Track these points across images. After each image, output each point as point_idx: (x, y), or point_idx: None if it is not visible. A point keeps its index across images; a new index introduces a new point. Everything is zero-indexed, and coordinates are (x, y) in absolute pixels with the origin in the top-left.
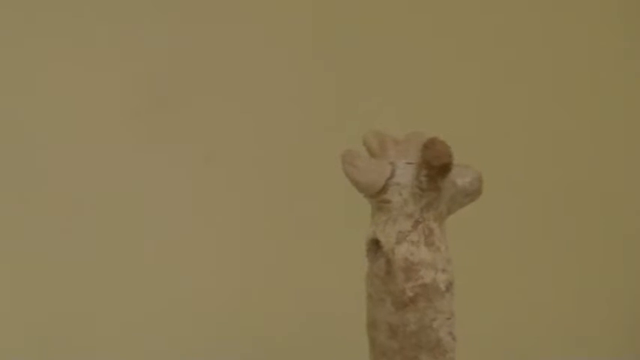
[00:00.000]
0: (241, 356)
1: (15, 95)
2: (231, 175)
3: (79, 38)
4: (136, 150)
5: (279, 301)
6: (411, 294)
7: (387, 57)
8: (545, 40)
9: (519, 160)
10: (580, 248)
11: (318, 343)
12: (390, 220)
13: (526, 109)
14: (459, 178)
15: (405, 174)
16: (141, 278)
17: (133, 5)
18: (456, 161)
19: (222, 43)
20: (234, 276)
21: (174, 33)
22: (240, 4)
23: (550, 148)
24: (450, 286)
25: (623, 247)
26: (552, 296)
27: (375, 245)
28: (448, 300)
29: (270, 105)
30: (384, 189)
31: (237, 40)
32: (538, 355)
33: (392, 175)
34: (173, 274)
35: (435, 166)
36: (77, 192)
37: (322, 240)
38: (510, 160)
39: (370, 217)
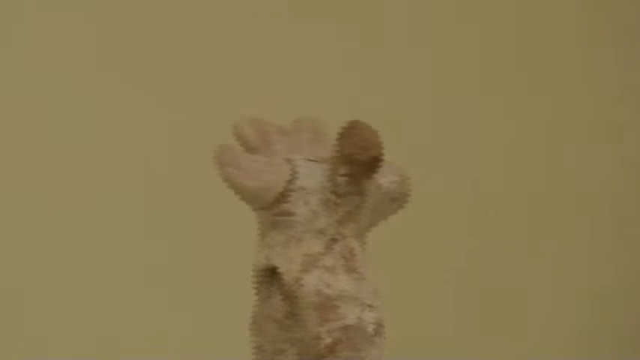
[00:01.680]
0: None
1: None
2: None
3: None
4: None
5: None
6: (328, 340)
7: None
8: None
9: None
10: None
11: None
12: (293, 239)
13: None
14: (384, 177)
15: (311, 175)
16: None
17: None
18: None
19: None
20: None
21: None
22: None
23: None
24: (379, 327)
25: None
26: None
27: (268, 276)
28: (378, 347)
29: None
30: (282, 196)
31: None
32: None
33: (293, 177)
34: None
35: (361, 161)
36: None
37: None
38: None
39: (259, 237)
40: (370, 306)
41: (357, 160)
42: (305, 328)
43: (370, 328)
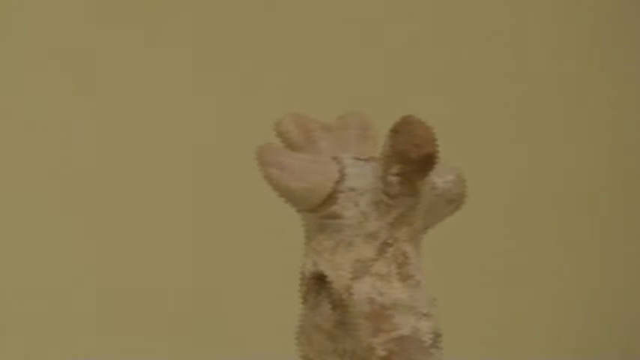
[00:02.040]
0: None
1: None
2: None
3: None
4: None
5: None
6: (382, 352)
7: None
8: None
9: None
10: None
11: None
12: (342, 244)
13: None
14: (439, 177)
15: (361, 174)
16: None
17: None
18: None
19: None
20: None
21: None
22: None
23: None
24: (437, 338)
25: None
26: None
27: (316, 284)
28: (436, 358)
29: None
30: (330, 198)
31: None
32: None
33: (342, 177)
34: None
35: (414, 159)
36: None
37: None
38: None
39: (305, 241)
40: (426, 315)
41: (411, 157)
42: (356, 339)
43: (427, 339)
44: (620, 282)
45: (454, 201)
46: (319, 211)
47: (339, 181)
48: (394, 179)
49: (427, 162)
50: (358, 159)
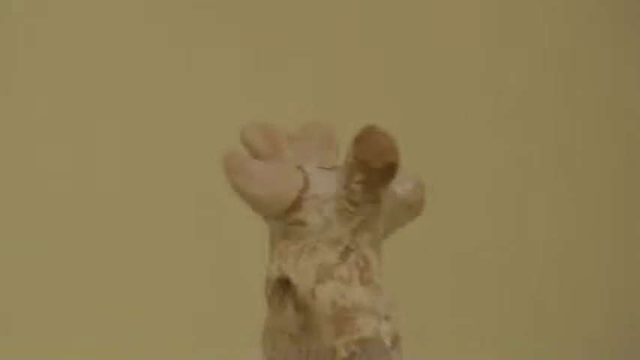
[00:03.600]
0: None
1: None
2: None
3: None
4: None
5: None
6: (344, 354)
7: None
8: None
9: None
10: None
11: None
12: (306, 249)
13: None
14: (399, 185)
15: (324, 182)
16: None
17: None
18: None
19: None
20: None
21: None
22: None
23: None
24: (396, 340)
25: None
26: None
27: (281, 287)
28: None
29: None
30: (295, 205)
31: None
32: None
33: (306, 186)
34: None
35: (376, 168)
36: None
37: None
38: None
39: (270, 247)
40: (387, 317)
41: (373, 167)
42: (320, 341)
43: (387, 341)
44: (620, 282)
45: (413, 207)
46: (284, 217)
47: (303, 189)
48: (357, 187)
49: (389, 171)
50: (322, 168)
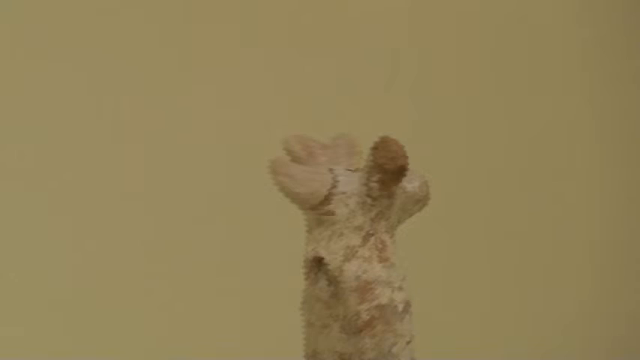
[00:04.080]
0: None
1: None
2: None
3: None
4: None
5: None
6: (366, 317)
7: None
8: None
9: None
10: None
11: None
12: (335, 234)
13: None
14: (408, 183)
15: (349, 181)
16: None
17: None
18: None
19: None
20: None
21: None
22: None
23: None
24: (407, 306)
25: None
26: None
27: (315, 264)
28: (407, 322)
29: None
30: (326, 200)
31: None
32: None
33: (335, 184)
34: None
35: (390, 170)
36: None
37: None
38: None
39: (307, 233)
40: (399, 288)
41: (387, 169)
42: (346, 307)
43: (400, 307)
44: (621, 281)
45: (420, 201)
46: (318, 209)
47: (332, 187)
48: (375, 185)
49: (400, 172)
50: (348, 170)
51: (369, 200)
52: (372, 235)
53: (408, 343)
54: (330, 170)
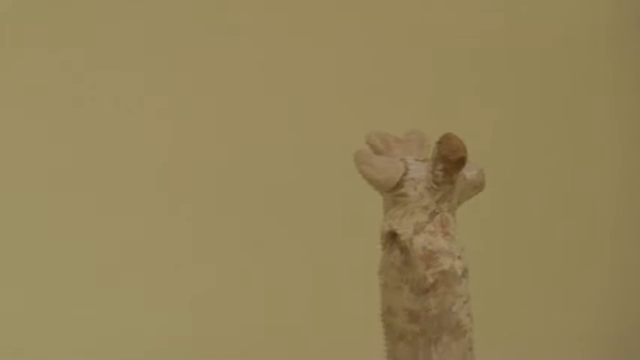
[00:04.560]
0: None
1: None
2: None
3: None
4: None
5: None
6: (431, 280)
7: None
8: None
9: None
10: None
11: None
12: (407, 213)
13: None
14: (467, 171)
15: (418, 170)
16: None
17: None
18: None
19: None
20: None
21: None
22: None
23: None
24: (465, 272)
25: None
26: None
27: (391, 237)
28: (464, 285)
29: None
30: (399, 184)
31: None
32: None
33: (406, 172)
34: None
35: (452, 160)
36: None
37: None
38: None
39: (384, 211)
40: (459, 257)
41: (450, 160)
42: (415, 272)
43: (459, 272)
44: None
45: (477, 187)
46: (393, 192)
47: (404, 174)
48: (439, 173)
49: (460, 162)
50: (417, 160)
51: (434, 185)
52: (437, 213)
53: (465, 302)
54: (402, 160)
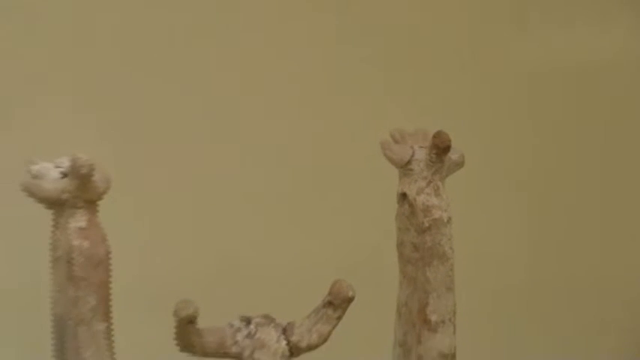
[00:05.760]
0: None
1: None
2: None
3: None
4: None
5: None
6: (427, 225)
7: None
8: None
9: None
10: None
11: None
12: (413, 181)
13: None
14: (452, 154)
15: (421, 153)
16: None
17: None
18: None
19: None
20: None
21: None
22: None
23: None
24: (449, 219)
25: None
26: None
27: (402, 197)
28: (449, 228)
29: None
30: (409, 162)
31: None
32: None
33: (413, 154)
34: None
35: (441, 148)
36: None
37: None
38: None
39: (399, 179)
40: (445, 210)
41: (440, 147)
42: (417, 219)
43: (445, 220)
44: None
45: (459, 164)
46: (404, 167)
47: (412, 156)
48: (433, 156)
49: (447, 149)
50: (421, 147)
51: (430, 163)
52: (432, 182)
53: (449, 239)
54: (411, 147)
